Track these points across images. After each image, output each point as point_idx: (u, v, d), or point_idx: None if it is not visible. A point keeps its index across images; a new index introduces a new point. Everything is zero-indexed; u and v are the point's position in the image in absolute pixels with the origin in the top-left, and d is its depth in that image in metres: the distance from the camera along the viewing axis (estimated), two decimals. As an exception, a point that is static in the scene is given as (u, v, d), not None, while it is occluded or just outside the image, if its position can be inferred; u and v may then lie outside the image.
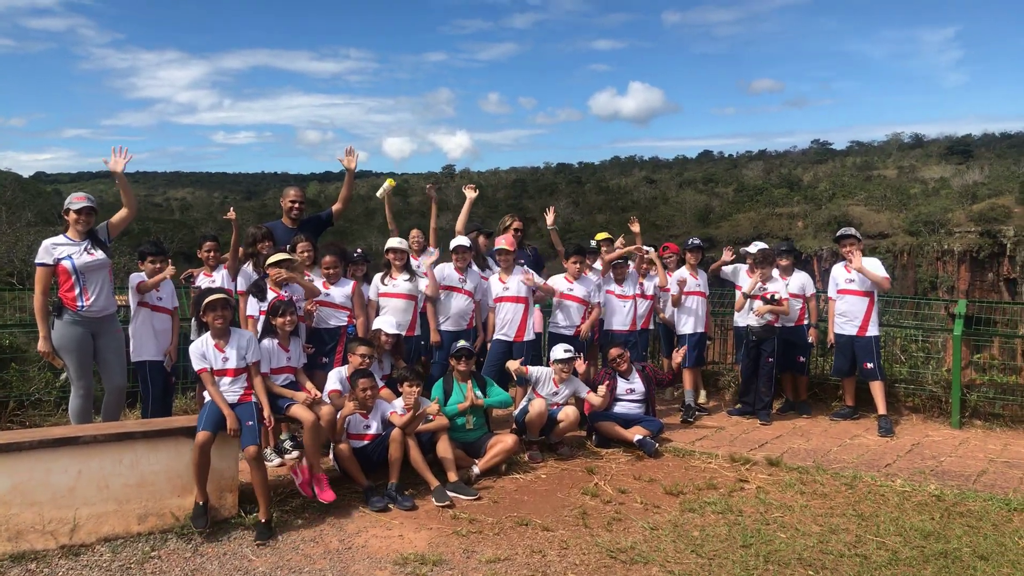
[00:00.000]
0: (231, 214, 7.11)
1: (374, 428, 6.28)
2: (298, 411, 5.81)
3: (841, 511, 5.78)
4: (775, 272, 8.62)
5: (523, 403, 7.35)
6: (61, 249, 6.16)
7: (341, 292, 7.15)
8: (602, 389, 7.40)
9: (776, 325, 8.44)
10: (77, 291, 6.15)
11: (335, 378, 6.48)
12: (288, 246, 7.02)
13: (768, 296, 8.35)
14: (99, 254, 6.28)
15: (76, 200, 6.27)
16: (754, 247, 8.98)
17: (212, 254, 7.24)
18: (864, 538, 5.27)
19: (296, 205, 7.62)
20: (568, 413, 7.20)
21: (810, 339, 8.81)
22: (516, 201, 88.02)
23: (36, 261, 6.16)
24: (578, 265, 8.16)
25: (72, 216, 6.22)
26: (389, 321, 6.99)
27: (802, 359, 8.84)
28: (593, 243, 9.14)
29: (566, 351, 7.38)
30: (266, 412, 5.63)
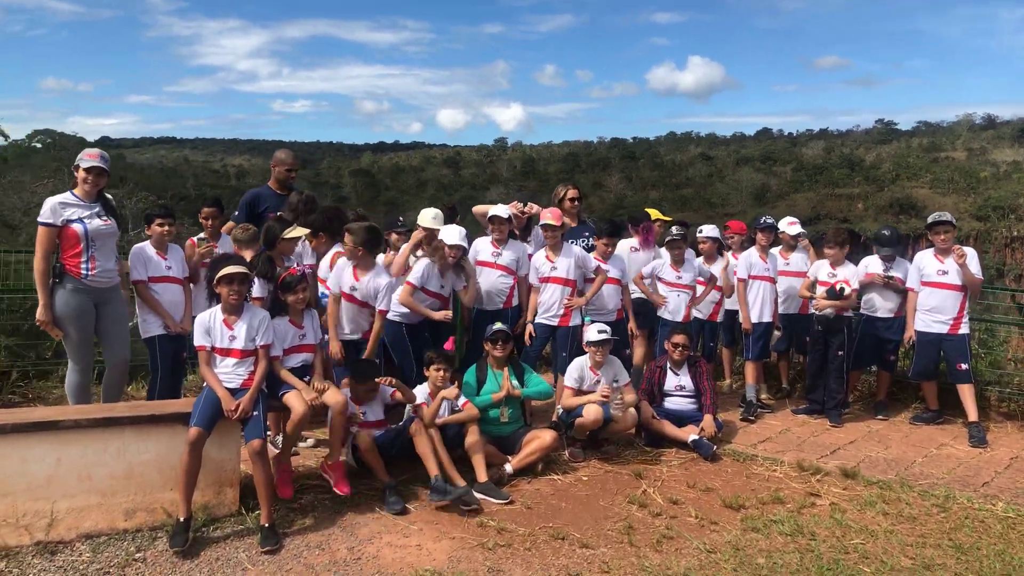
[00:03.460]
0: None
1: (372, 416, 5.66)
2: (291, 399, 5.14)
3: (935, 540, 4.91)
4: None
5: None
6: (72, 211, 5.51)
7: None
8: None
9: (846, 314, 7.50)
10: (84, 258, 5.54)
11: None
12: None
13: (837, 286, 7.37)
14: (112, 222, 5.70)
15: (88, 157, 5.59)
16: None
17: (211, 221, 6.53)
18: (965, 577, 4.43)
19: (292, 173, 7.39)
20: (627, 414, 6.35)
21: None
22: (568, 175, 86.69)
23: (40, 220, 5.49)
24: (609, 248, 7.26)
25: (81, 174, 5.56)
26: (453, 232, 6.36)
27: (892, 357, 7.83)
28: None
29: (600, 332, 6.45)
30: (244, 401, 4.85)
